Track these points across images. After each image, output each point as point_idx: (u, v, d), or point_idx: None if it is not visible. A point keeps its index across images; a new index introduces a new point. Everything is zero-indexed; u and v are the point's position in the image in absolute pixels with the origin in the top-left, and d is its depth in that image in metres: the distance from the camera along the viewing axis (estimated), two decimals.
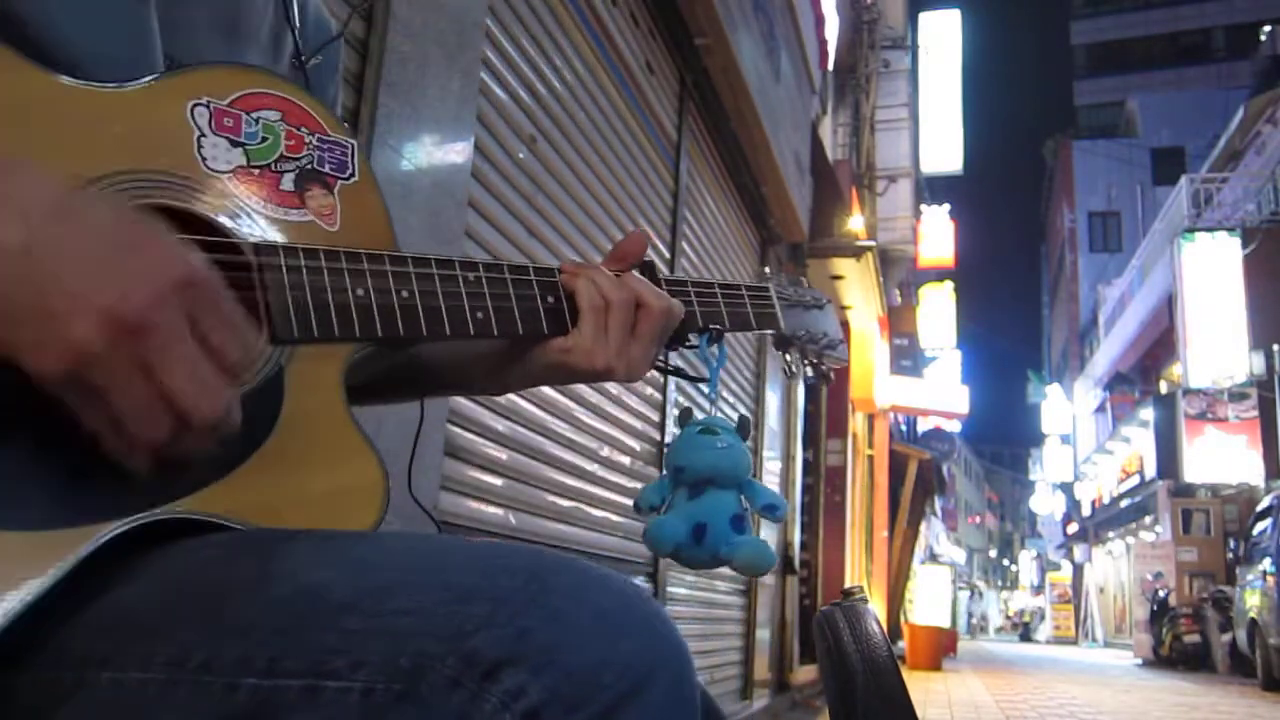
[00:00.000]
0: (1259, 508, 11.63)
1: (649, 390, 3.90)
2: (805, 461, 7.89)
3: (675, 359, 0.93)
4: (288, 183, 0.68)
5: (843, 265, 7.83)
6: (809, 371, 1.06)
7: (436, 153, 2.18)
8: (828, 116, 9.99)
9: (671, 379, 4.16)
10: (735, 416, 0.91)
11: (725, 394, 5.28)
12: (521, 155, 2.79)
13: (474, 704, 0.47)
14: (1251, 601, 10.29)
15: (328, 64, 0.91)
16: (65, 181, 0.52)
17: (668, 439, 3.91)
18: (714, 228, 5.08)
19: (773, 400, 6.43)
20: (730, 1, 4.44)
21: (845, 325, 9.40)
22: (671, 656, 0.52)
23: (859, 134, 12.03)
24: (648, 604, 0.54)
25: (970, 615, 32.73)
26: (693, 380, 0.94)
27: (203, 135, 0.64)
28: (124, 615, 0.55)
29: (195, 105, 0.65)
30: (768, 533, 6.16)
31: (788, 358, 1.04)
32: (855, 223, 8.14)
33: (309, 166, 0.69)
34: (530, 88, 2.85)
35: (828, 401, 9.26)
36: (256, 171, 0.66)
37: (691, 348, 0.89)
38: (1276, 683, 9.48)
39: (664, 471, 0.90)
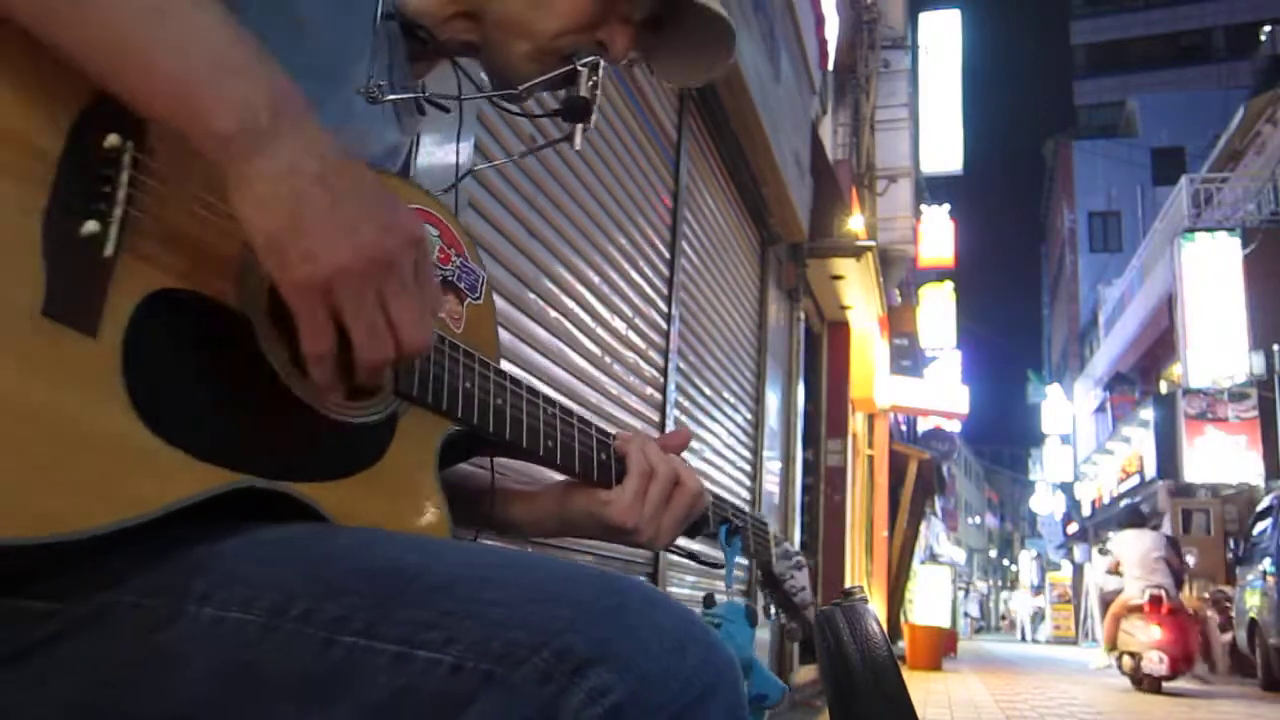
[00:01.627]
0: (1259, 508, 11.62)
1: (649, 390, 3.90)
2: (805, 461, 7.88)
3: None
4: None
5: (843, 265, 7.83)
6: (781, 619, 1.18)
7: (437, 153, 2.18)
8: (828, 116, 9.99)
9: (670, 380, 4.16)
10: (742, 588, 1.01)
11: (726, 395, 5.28)
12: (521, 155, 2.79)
13: (563, 696, 0.53)
14: (1251, 601, 10.29)
15: None
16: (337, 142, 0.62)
17: None
18: (714, 228, 5.08)
19: (773, 400, 6.43)
20: (730, 2, 4.43)
21: (845, 326, 9.40)
22: (730, 673, 0.59)
23: (859, 134, 12.03)
24: (703, 626, 0.61)
25: (967, 615, 32.50)
26: (709, 566, 1.06)
27: None
28: (228, 560, 0.61)
29: None
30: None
31: (764, 599, 1.16)
32: (855, 223, 8.14)
33: (450, 279, 0.82)
34: None
35: (828, 401, 9.25)
36: None
37: (710, 535, 0.99)
38: (1276, 683, 9.48)
39: None
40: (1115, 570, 9.41)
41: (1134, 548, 9.17)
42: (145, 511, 0.57)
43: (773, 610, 1.17)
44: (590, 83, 0.90)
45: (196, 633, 0.58)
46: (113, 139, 0.60)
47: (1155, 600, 8.63)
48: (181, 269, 0.63)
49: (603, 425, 0.90)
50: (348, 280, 0.59)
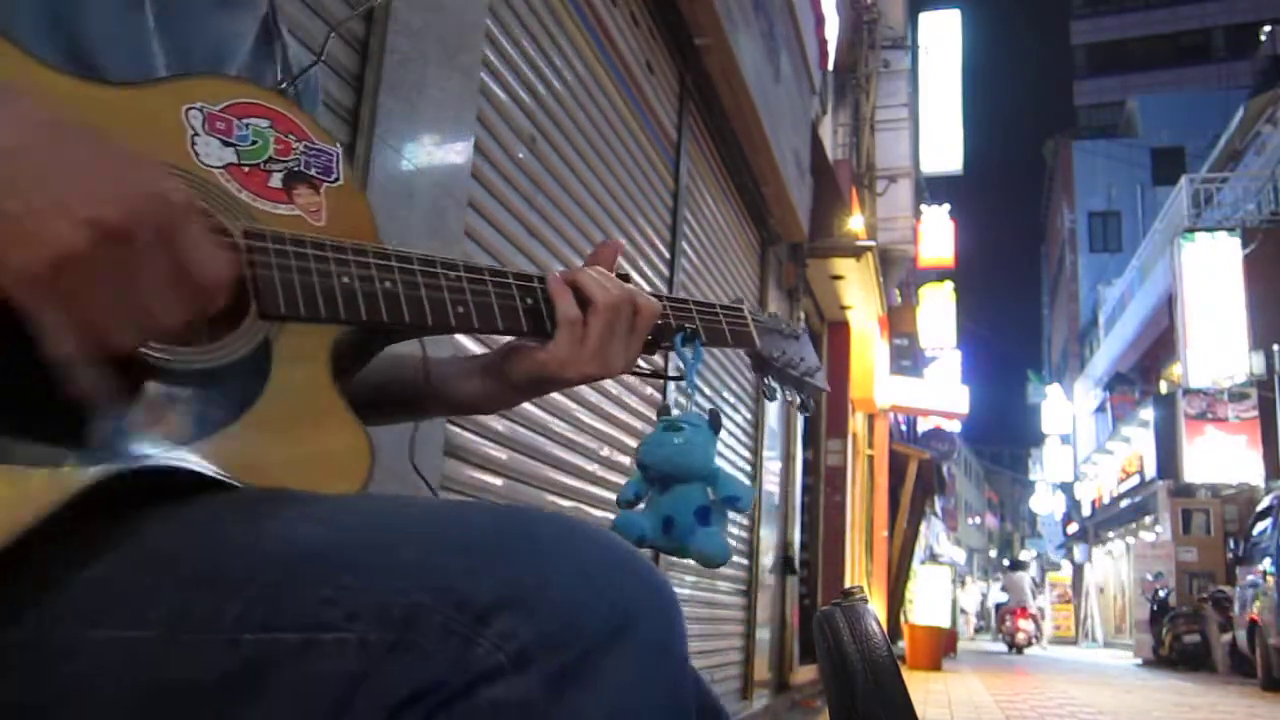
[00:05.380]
0: (1259, 508, 11.61)
1: (649, 390, 3.90)
2: (805, 461, 7.88)
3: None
4: (275, 180, 0.71)
5: (843, 265, 7.83)
6: (788, 395, 1.05)
7: (436, 153, 2.18)
8: (828, 116, 9.99)
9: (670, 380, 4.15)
10: (708, 409, 0.89)
11: (726, 395, 5.28)
12: (521, 155, 2.79)
13: (468, 648, 0.50)
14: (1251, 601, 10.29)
15: (308, 92, 0.92)
16: (55, 109, 0.53)
17: None
18: (714, 228, 5.08)
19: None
20: (730, 1, 4.44)
21: (845, 326, 9.40)
22: (656, 602, 0.54)
23: (859, 134, 12.02)
24: (632, 554, 0.56)
25: (964, 612, 32.33)
26: (670, 379, 0.94)
27: (196, 134, 0.68)
28: (111, 576, 0.55)
29: (190, 109, 0.68)
30: (765, 530, 6.16)
31: (767, 380, 1.03)
32: (855, 223, 8.13)
33: (296, 169, 0.73)
34: (530, 88, 2.85)
35: (828, 401, 9.25)
36: (246, 169, 0.70)
37: (667, 349, 0.90)
38: (1276, 683, 9.48)
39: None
40: (1005, 591, 21.01)
41: (1016, 582, 20.53)
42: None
43: (777, 387, 1.04)
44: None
45: (96, 660, 0.54)
46: None
47: (1023, 609, 19.62)
48: None
49: (526, 270, 0.83)
50: (71, 262, 0.49)
